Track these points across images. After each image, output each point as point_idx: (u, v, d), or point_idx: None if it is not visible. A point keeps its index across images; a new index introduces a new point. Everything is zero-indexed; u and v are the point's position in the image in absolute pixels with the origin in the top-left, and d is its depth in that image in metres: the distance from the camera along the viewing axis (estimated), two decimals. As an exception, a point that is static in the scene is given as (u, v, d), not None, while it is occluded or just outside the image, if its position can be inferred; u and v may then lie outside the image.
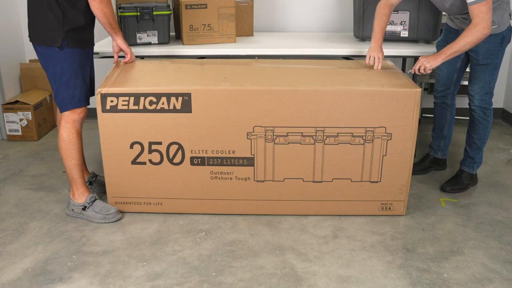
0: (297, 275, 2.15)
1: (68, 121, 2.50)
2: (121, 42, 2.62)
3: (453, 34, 2.73)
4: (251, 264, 2.22)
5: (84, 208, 2.58)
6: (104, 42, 3.39)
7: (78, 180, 2.59)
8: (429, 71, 2.56)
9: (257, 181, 2.55)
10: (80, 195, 2.59)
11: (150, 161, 2.53)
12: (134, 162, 2.53)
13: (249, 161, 2.51)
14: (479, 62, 2.65)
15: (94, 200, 2.59)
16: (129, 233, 2.46)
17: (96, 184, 2.85)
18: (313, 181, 2.55)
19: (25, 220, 2.60)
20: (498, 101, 4.15)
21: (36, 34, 2.43)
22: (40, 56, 2.47)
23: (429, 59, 2.53)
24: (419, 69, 2.57)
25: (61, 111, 2.51)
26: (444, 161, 3.14)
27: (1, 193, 2.90)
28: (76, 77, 2.46)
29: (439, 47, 2.83)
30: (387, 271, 2.17)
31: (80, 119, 2.53)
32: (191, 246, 2.35)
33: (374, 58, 2.65)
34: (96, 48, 3.09)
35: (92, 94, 2.64)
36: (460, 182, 2.89)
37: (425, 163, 3.11)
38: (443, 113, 2.96)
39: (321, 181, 2.54)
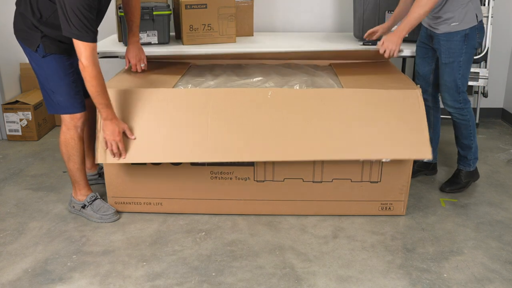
0: (297, 275, 2.15)
1: (70, 127, 2.48)
2: (103, 126, 2.33)
3: (422, 32, 2.76)
4: (251, 264, 2.22)
5: (83, 206, 2.59)
6: (105, 42, 3.39)
7: (81, 182, 2.60)
8: (398, 53, 2.60)
9: (257, 181, 2.55)
10: (82, 195, 2.61)
11: (150, 161, 2.53)
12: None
13: (249, 161, 2.51)
14: (442, 61, 2.63)
15: (95, 199, 2.60)
16: (129, 233, 2.46)
17: (104, 176, 2.87)
18: (313, 181, 2.55)
19: (25, 220, 2.60)
20: (498, 101, 4.16)
21: (20, 32, 2.42)
22: (24, 51, 2.45)
23: (392, 41, 2.56)
24: (388, 54, 2.60)
25: (49, 112, 2.50)
26: (434, 165, 3.07)
27: (1, 193, 2.90)
28: (60, 84, 2.41)
29: (418, 48, 2.83)
30: (387, 271, 2.17)
31: (81, 124, 2.49)
32: (191, 246, 2.35)
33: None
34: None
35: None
36: (458, 182, 2.87)
37: (414, 167, 3.04)
38: (427, 115, 2.82)
39: (321, 181, 2.54)
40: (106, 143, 2.33)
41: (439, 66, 2.68)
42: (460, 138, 2.79)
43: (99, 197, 2.63)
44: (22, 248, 2.35)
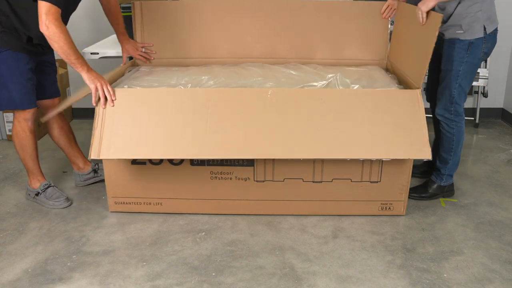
0: (297, 275, 2.15)
1: (20, 121, 2.61)
2: (85, 78, 2.34)
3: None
4: (251, 264, 2.22)
5: (37, 194, 2.71)
6: (105, 42, 3.39)
7: (34, 171, 2.74)
8: (425, 14, 2.40)
9: (257, 181, 2.55)
10: (36, 182, 2.73)
11: (150, 161, 2.53)
12: (134, 162, 2.53)
13: (249, 161, 2.51)
14: (441, 67, 2.59)
15: (48, 187, 2.72)
16: (129, 233, 2.46)
17: (101, 171, 2.93)
18: (313, 181, 2.55)
19: (25, 220, 2.60)
20: (498, 101, 4.16)
21: None
22: None
23: (424, 3, 2.39)
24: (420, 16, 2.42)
25: (7, 109, 2.62)
26: None
27: (1, 193, 2.90)
28: (11, 81, 2.48)
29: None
30: (387, 271, 2.17)
31: (31, 118, 2.61)
32: (191, 246, 2.35)
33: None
34: (95, 49, 3.11)
35: (52, 95, 2.75)
36: (425, 191, 2.78)
37: (425, 166, 3.03)
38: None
39: (321, 181, 2.54)
40: (94, 93, 2.30)
41: (441, 72, 2.62)
42: (440, 149, 2.73)
43: (53, 185, 2.74)
44: (22, 248, 2.35)
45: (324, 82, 2.56)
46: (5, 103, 2.57)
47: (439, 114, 2.65)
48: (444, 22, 2.53)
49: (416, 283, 2.10)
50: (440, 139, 2.73)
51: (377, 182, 2.54)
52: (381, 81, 2.60)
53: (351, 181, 2.54)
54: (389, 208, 2.60)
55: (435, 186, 2.79)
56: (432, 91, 2.79)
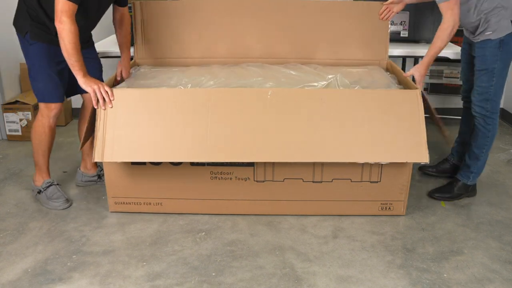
0: (297, 275, 2.15)
1: (43, 115, 2.59)
2: (81, 82, 2.37)
3: (465, 38, 2.74)
4: (251, 264, 2.22)
5: (39, 192, 2.70)
6: (105, 42, 3.39)
7: (42, 167, 2.72)
8: (423, 80, 2.58)
9: (257, 181, 2.55)
10: (40, 179, 2.73)
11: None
12: (134, 162, 2.53)
13: (249, 161, 2.51)
14: (476, 67, 2.60)
15: (50, 185, 2.70)
16: (129, 233, 2.46)
17: (104, 177, 2.89)
18: (313, 181, 2.55)
19: (25, 220, 2.60)
20: (498, 101, 4.15)
21: (15, 19, 2.55)
22: (19, 40, 2.55)
23: (417, 70, 2.54)
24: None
25: (38, 101, 2.61)
26: None
27: (1, 193, 2.90)
28: (40, 72, 2.50)
29: (462, 53, 2.81)
30: (387, 271, 2.17)
31: (54, 115, 2.59)
32: (191, 246, 2.35)
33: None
34: (95, 48, 3.10)
35: (73, 93, 2.74)
36: (450, 191, 2.79)
37: (440, 166, 3.03)
38: (468, 118, 2.84)
39: (321, 181, 2.55)
40: (93, 96, 2.31)
41: (475, 72, 2.63)
42: (473, 145, 2.72)
43: (55, 183, 2.73)
44: (22, 248, 2.35)
45: (324, 82, 2.56)
46: (36, 94, 2.57)
47: (477, 112, 2.65)
48: (472, 33, 2.58)
49: (416, 283, 2.10)
50: (473, 135, 2.73)
51: (377, 182, 2.54)
52: (381, 81, 2.61)
53: (351, 181, 2.54)
54: (389, 208, 2.60)
55: (460, 185, 2.78)
56: (468, 91, 2.80)
